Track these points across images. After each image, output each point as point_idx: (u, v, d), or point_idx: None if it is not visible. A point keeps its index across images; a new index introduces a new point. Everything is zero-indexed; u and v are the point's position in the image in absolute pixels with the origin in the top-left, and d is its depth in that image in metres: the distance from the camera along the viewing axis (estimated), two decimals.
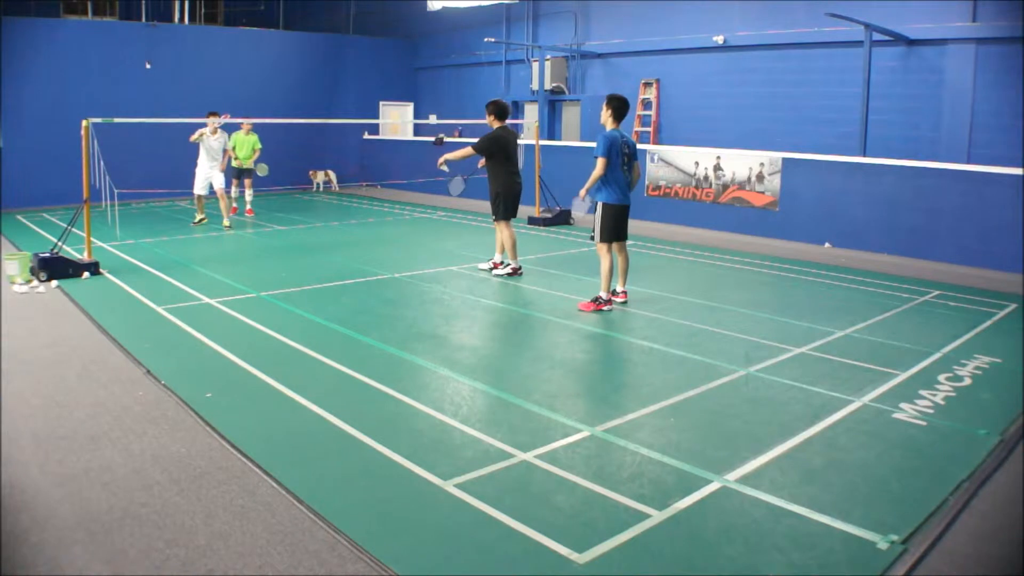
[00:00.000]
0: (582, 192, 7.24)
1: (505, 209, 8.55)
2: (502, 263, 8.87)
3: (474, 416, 4.60)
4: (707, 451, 4.12)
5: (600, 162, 6.93)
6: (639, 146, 14.33)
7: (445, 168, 8.71)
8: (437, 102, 20.83)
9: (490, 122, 8.54)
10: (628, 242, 7.42)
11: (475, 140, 8.60)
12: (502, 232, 8.66)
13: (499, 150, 8.41)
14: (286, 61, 19.20)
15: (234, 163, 13.89)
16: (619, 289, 7.47)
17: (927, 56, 12.02)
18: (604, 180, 7.08)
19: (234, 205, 14.33)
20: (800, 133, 13.33)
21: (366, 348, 6.03)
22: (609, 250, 7.19)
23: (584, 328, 6.59)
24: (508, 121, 8.60)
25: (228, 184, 14.27)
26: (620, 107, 7.10)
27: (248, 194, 14.09)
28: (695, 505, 3.53)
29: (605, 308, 7.11)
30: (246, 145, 13.86)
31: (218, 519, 3.36)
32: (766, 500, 3.58)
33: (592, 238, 7.28)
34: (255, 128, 13.99)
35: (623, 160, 7.09)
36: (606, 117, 7.13)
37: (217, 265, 9.26)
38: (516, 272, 8.72)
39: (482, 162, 8.68)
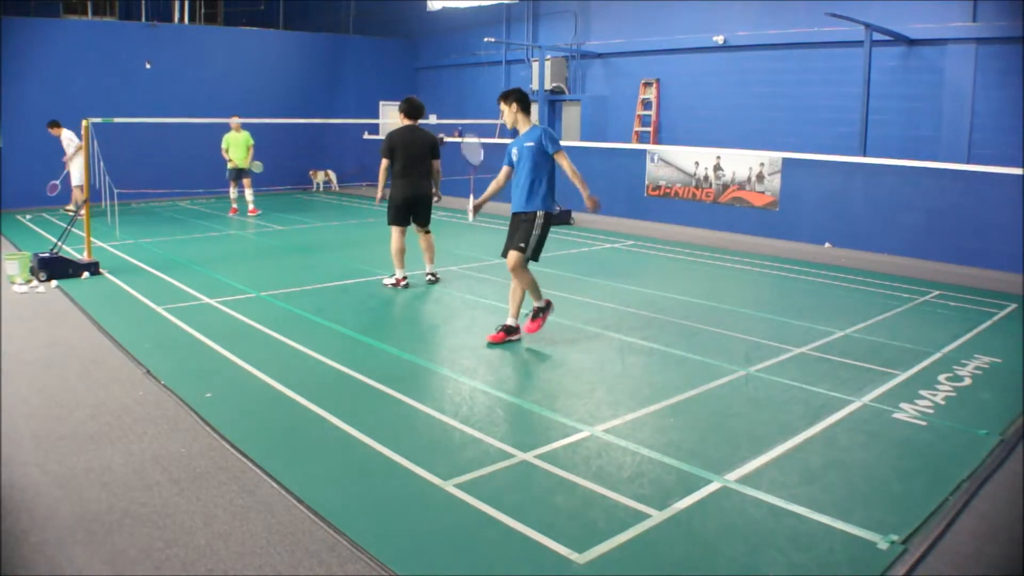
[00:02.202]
0: (589, 195, 5.87)
1: (391, 216, 8.07)
2: (433, 273, 8.40)
3: (474, 416, 4.60)
4: (707, 451, 4.12)
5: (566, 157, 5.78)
6: (638, 146, 14.42)
7: (377, 201, 8.12)
8: (437, 102, 20.80)
9: (400, 120, 7.96)
10: (628, 242, 7.38)
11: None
12: (392, 238, 8.06)
13: (394, 150, 7.79)
14: (286, 61, 19.20)
15: (229, 164, 13.81)
16: (519, 310, 6.23)
17: (927, 56, 12.02)
18: (551, 184, 5.93)
19: (234, 206, 14.33)
20: (800, 133, 13.32)
21: (366, 348, 6.03)
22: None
23: (584, 328, 6.59)
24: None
25: (227, 186, 14.30)
26: (523, 98, 5.97)
27: (248, 194, 13.99)
28: (695, 505, 3.53)
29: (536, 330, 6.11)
30: (240, 144, 13.65)
31: (218, 519, 3.36)
32: (766, 500, 3.58)
33: (522, 248, 5.88)
34: (247, 126, 13.83)
35: None
36: (513, 113, 5.91)
37: (217, 265, 9.26)
38: (401, 283, 8.05)
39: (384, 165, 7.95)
